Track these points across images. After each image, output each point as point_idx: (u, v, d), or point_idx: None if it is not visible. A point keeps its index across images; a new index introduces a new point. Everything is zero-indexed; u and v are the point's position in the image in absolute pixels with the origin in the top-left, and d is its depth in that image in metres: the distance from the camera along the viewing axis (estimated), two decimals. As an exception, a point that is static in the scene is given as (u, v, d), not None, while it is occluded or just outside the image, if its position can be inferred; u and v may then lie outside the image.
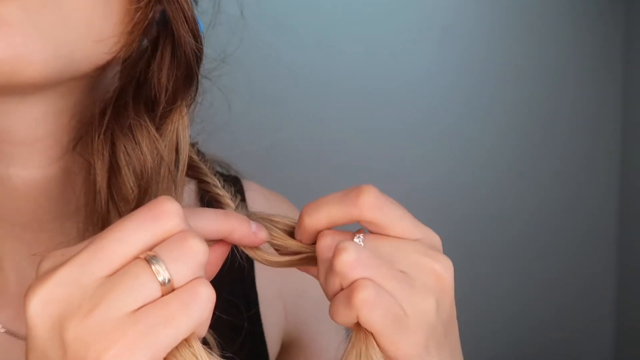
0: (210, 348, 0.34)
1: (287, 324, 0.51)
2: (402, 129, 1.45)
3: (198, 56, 0.34)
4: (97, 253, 0.26)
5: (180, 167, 0.36)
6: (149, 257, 0.26)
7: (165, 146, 0.35)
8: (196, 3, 0.40)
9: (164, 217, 0.27)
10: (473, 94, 1.51)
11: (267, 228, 0.34)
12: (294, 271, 0.38)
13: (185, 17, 0.32)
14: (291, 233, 0.35)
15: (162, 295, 0.26)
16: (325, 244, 0.32)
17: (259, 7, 1.26)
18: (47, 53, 0.28)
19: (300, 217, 0.33)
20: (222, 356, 0.28)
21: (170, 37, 0.33)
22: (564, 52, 1.57)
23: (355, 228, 0.33)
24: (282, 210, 0.39)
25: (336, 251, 0.30)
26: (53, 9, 0.28)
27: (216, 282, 0.29)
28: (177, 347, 0.26)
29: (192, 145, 0.41)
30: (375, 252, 0.30)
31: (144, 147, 0.33)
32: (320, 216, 0.32)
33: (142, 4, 0.31)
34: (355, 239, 0.31)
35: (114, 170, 0.33)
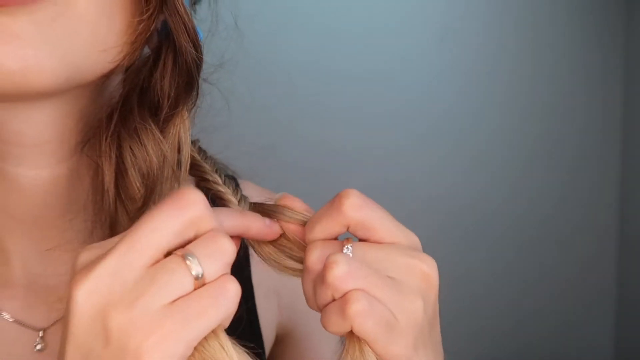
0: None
1: (282, 317, 0.53)
2: (403, 129, 1.45)
3: (198, 64, 0.36)
4: (134, 244, 0.28)
5: (183, 167, 0.38)
6: (184, 253, 0.28)
7: (169, 147, 0.37)
8: (195, 12, 0.42)
9: (190, 206, 0.29)
10: (473, 94, 1.51)
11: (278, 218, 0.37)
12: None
13: (186, 28, 0.34)
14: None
15: (195, 289, 0.28)
16: (314, 257, 0.34)
17: (259, 7, 1.27)
18: (55, 64, 0.30)
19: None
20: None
21: (171, 46, 0.35)
22: (565, 53, 1.56)
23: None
24: None
25: (327, 264, 0.31)
26: (61, 23, 0.30)
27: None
28: (205, 337, 0.28)
29: (194, 143, 0.43)
30: (364, 261, 0.32)
31: (150, 149, 0.35)
32: (316, 234, 0.34)
33: (144, 16, 0.33)
34: (345, 250, 0.33)
35: (120, 171, 0.35)
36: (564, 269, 1.60)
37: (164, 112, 0.36)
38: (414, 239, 0.35)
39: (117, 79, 0.38)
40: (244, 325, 0.42)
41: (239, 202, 0.39)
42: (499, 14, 1.52)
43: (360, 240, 0.34)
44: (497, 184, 1.55)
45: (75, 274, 0.29)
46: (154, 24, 0.34)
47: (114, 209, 0.35)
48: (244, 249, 0.49)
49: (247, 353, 0.31)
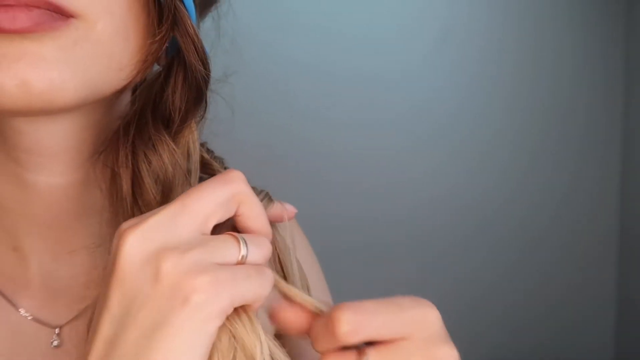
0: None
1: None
2: (405, 131, 1.46)
3: (206, 80, 0.38)
4: (183, 208, 0.31)
5: (193, 173, 0.41)
6: (239, 237, 0.32)
7: (181, 156, 0.39)
8: (199, 28, 0.44)
9: (233, 181, 0.33)
10: (471, 94, 1.51)
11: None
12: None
13: (195, 48, 0.36)
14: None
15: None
16: None
17: (259, 8, 1.28)
18: (77, 83, 0.33)
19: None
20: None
21: (182, 65, 0.37)
22: (564, 52, 1.57)
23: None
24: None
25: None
26: (82, 47, 0.33)
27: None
28: (238, 313, 0.31)
29: (202, 145, 0.45)
30: None
31: (165, 158, 0.38)
32: (322, 346, 0.33)
33: (157, 38, 0.35)
34: None
35: (137, 179, 0.38)
36: (565, 270, 1.61)
37: (175, 125, 0.38)
38: (430, 319, 0.32)
39: (129, 93, 0.41)
40: None
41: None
42: (500, 17, 1.52)
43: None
44: (499, 186, 1.55)
45: (121, 233, 0.31)
46: (165, 44, 0.36)
47: (131, 214, 0.38)
48: None
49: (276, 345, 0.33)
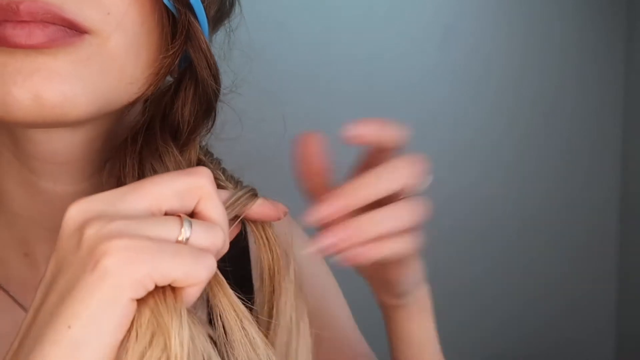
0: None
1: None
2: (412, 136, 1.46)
3: (217, 94, 0.39)
4: (135, 188, 0.31)
5: None
6: (183, 218, 0.31)
7: (186, 167, 0.40)
8: (212, 42, 0.44)
9: (197, 175, 0.32)
10: (475, 93, 1.52)
11: None
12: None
13: (208, 63, 0.37)
14: None
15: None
16: None
17: (260, 8, 1.28)
18: (89, 97, 0.33)
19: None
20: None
21: (193, 78, 0.38)
22: (566, 51, 1.57)
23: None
24: None
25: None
26: (95, 62, 0.33)
27: (222, 271, 0.35)
28: (164, 293, 0.29)
29: (201, 147, 0.46)
30: None
31: (171, 169, 0.38)
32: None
33: (169, 53, 0.36)
34: None
35: None
36: (568, 268, 1.62)
37: (183, 137, 0.39)
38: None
39: (140, 105, 0.42)
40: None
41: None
42: (502, 17, 1.52)
43: None
44: (501, 186, 1.55)
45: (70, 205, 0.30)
46: (177, 59, 0.37)
47: None
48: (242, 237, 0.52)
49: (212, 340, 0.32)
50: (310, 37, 1.36)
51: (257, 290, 0.43)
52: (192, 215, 0.32)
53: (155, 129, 0.39)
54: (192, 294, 0.30)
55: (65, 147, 0.39)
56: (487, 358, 1.51)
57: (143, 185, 0.31)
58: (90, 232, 0.28)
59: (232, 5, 0.45)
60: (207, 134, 0.41)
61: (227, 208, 0.35)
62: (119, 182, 0.40)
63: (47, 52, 0.31)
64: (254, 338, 0.33)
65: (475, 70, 1.51)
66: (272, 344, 0.38)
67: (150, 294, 0.28)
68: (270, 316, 0.39)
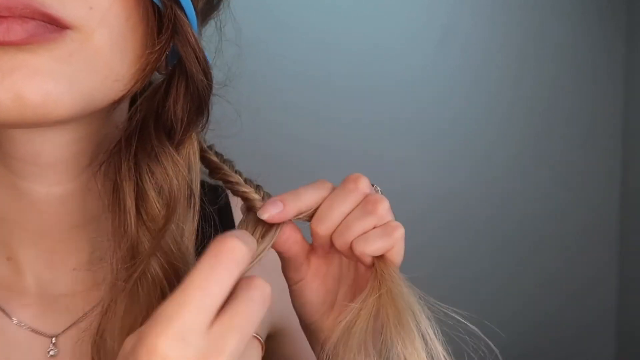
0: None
1: (273, 316, 0.56)
2: (403, 128, 1.44)
3: (208, 90, 0.37)
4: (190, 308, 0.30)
5: (194, 182, 0.40)
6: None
7: (185, 167, 0.38)
8: (201, 35, 0.43)
9: (234, 260, 0.31)
10: (472, 93, 1.50)
11: None
12: (277, 267, 0.44)
13: (197, 57, 0.35)
14: None
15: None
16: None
17: (259, 7, 1.27)
18: (73, 95, 0.32)
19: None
20: None
21: (183, 75, 0.36)
22: (564, 51, 1.55)
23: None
24: None
25: (375, 200, 0.41)
26: (78, 58, 0.31)
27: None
28: None
29: (210, 147, 0.44)
30: None
31: (170, 170, 0.37)
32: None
33: (156, 48, 0.34)
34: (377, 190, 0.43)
35: (140, 192, 0.37)
36: (567, 268, 1.61)
37: (178, 135, 0.37)
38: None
39: (127, 103, 0.40)
40: None
41: (262, 198, 0.41)
42: (501, 18, 1.50)
43: None
44: (500, 186, 1.54)
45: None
46: (164, 54, 0.35)
47: (136, 229, 0.37)
48: None
49: None
50: (309, 36, 1.35)
51: None
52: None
53: (149, 129, 0.37)
54: None
55: (49, 148, 0.38)
56: (486, 355, 1.49)
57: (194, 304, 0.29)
58: None
59: (222, -4, 0.44)
60: (203, 130, 0.39)
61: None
62: (115, 186, 0.38)
63: (27, 49, 0.30)
64: None
65: (473, 70, 1.51)
66: None
67: None
68: None
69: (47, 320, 0.44)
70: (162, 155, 0.37)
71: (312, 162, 1.36)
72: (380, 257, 0.41)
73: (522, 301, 1.57)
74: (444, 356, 0.38)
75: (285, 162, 1.30)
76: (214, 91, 0.40)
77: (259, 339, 0.33)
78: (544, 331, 1.60)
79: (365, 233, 0.40)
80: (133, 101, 0.40)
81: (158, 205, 0.37)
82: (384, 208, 0.41)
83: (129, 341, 0.30)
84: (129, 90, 0.35)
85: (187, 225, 0.39)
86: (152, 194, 0.37)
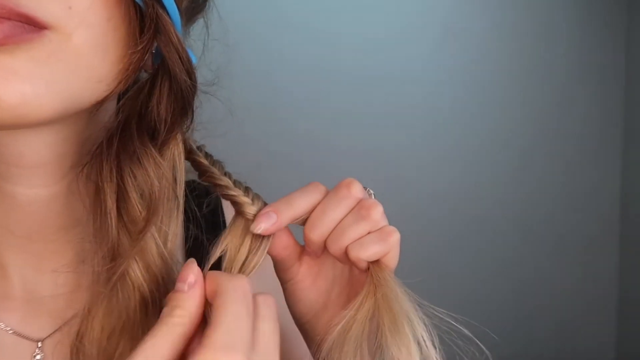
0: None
1: None
2: (400, 125, 1.45)
3: (192, 91, 0.36)
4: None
5: (179, 185, 0.40)
6: None
7: (167, 169, 0.38)
8: (189, 34, 0.42)
9: (245, 296, 0.34)
10: (469, 90, 1.50)
11: None
12: (268, 272, 0.44)
13: (180, 57, 0.34)
14: None
15: None
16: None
17: (259, 6, 1.26)
18: (53, 97, 0.31)
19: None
20: None
21: (166, 74, 0.35)
22: (565, 52, 1.55)
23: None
24: None
25: (369, 205, 0.40)
26: (57, 59, 0.31)
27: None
28: None
29: (199, 149, 0.44)
30: None
31: (151, 172, 0.37)
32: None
33: (138, 48, 0.34)
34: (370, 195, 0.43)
35: (122, 194, 0.37)
36: (563, 265, 1.61)
37: (161, 137, 0.37)
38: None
39: (114, 102, 0.39)
40: None
41: (252, 201, 0.41)
42: (500, 16, 1.50)
43: None
44: (496, 181, 1.55)
45: None
46: (147, 53, 0.34)
47: (116, 231, 0.37)
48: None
49: None
50: (307, 32, 1.35)
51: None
52: None
53: (131, 130, 0.37)
54: None
55: (33, 150, 0.37)
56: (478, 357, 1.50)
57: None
58: None
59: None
60: (187, 130, 0.39)
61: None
62: (97, 188, 0.38)
63: (3, 50, 0.29)
64: None
65: (473, 70, 1.50)
66: None
67: None
68: None
69: (33, 324, 0.43)
70: (144, 157, 0.36)
71: (309, 158, 1.35)
72: (376, 262, 0.41)
73: (516, 293, 1.57)
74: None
75: (281, 158, 1.30)
76: (209, 90, 0.39)
77: None
78: (545, 338, 1.60)
79: (360, 238, 0.40)
80: (120, 102, 0.39)
81: (139, 207, 0.36)
82: (378, 213, 0.41)
83: None
84: (112, 91, 0.35)
85: (171, 227, 0.39)
86: (133, 195, 0.36)
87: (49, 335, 0.43)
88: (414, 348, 0.38)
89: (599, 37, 1.59)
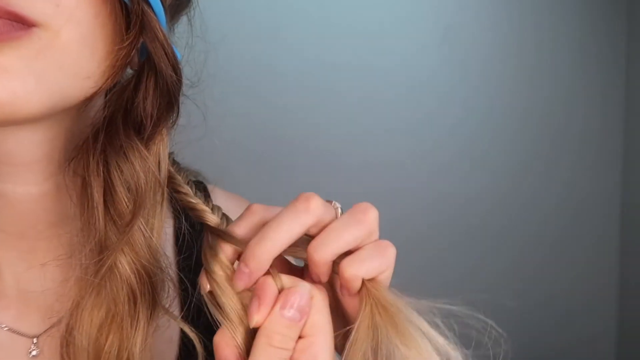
0: (193, 346, 0.39)
1: None
2: (403, 130, 1.44)
3: (178, 86, 0.37)
4: None
5: (162, 180, 0.40)
6: None
7: (153, 163, 0.39)
8: (173, 31, 0.43)
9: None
10: (473, 96, 1.50)
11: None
12: None
13: (165, 53, 0.35)
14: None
15: None
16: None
17: (258, 5, 1.26)
18: (41, 94, 0.32)
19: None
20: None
21: (152, 70, 0.36)
22: (567, 53, 1.55)
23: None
24: (240, 209, 0.41)
25: (365, 207, 0.37)
26: (46, 56, 0.32)
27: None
28: None
29: (169, 155, 0.44)
30: None
31: (137, 166, 0.37)
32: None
33: (125, 44, 0.34)
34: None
35: (109, 187, 0.37)
36: (564, 266, 1.62)
37: (147, 131, 0.38)
38: (372, 219, 0.39)
39: (102, 98, 0.40)
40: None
41: (212, 210, 0.40)
42: (503, 16, 1.50)
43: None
44: (498, 184, 1.54)
45: None
46: (134, 50, 0.35)
47: (103, 224, 0.37)
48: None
49: None
50: (306, 36, 1.35)
51: None
52: None
53: (117, 125, 0.37)
54: None
55: (21, 147, 0.38)
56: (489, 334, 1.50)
57: None
58: None
59: (192, -7, 0.44)
60: (173, 126, 0.40)
61: None
62: (84, 182, 0.38)
63: None
64: None
65: (475, 72, 1.50)
66: None
67: None
68: None
69: (27, 321, 0.44)
70: (130, 151, 0.37)
71: (312, 167, 1.35)
72: (371, 280, 0.37)
73: (519, 292, 1.57)
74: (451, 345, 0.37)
75: (281, 166, 1.29)
76: (184, 91, 0.40)
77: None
78: (546, 336, 1.61)
79: (357, 252, 0.37)
80: (106, 97, 0.40)
81: (126, 200, 0.37)
82: (374, 217, 0.38)
83: None
84: (100, 87, 0.35)
85: (157, 220, 0.40)
86: (120, 189, 0.37)
87: (44, 331, 0.44)
88: (425, 343, 0.36)
89: (601, 38, 1.59)
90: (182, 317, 0.44)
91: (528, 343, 1.57)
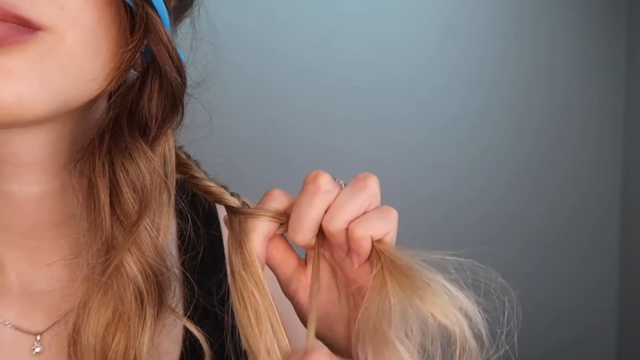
0: (200, 347, 0.39)
1: None
2: (401, 127, 1.44)
3: (182, 88, 0.38)
4: None
5: (169, 180, 0.41)
6: None
7: (159, 163, 0.39)
8: (176, 32, 0.43)
9: None
10: (470, 93, 1.50)
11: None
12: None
13: (170, 55, 0.36)
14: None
15: None
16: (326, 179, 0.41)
17: (258, 4, 1.26)
18: (46, 96, 0.32)
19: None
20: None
21: (157, 72, 0.37)
22: (565, 52, 1.55)
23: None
24: None
25: (367, 175, 0.40)
26: (51, 59, 0.32)
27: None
28: None
29: (179, 148, 0.45)
30: None
31: (142, 167, 0.38)
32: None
33: (129, 47, 0.35)
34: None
35: (115, 188, 0.38)
36: (564, 264, 1.62)
37: (152, 132, 0.38)
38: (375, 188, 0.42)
39: (104, 100, 0.41)
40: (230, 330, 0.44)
41: (231, 193, 0.41)
42: (502, 16, 1.50)
43: None
44: (497, 181, 1.54)
45: None
46: (138, 52, 0.36)
47: (110, 224, 0.38)
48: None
49: None
50: (306, 33, 1.35)
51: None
52: None
53: (122, 126, 0.38)
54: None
55: (26, 149, 0.38)
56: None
57: None
58: None
59: (195, -5, 0.44)
60: (178, 126, 0.40)
61: None
62: (90, 183, 0.39)
63: None
64: None
65: (473, 71, 1.50)
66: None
67: None
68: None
69: (31, 318, 0.44)
70: (135, 152, 0.37)
71: (309, 161, 1.35)
72: (379, 241, 0.39)
73: (518, 290, 1.58)
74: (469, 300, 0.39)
75: (282, 161, 1.29)
76: (189, 91, 0.40)
77: None
78: (545, 335, 1.60)
79: (363, 215, 0.40)
80: (111, 99, 0.40)
81: (132, 200, 0.38)
82: (375, 183, 0.41)
83: None
84: (104, 90, 0.36)
85: (163, 219, 0.40)
86: (125, 189, 0.37)
87: (47, 329, 0.44)
88: (442, 296, 0.38)
89: (601, 37, 1.59)
90: (187, 317, 0.44)
91: (528, 341, 1.57)
